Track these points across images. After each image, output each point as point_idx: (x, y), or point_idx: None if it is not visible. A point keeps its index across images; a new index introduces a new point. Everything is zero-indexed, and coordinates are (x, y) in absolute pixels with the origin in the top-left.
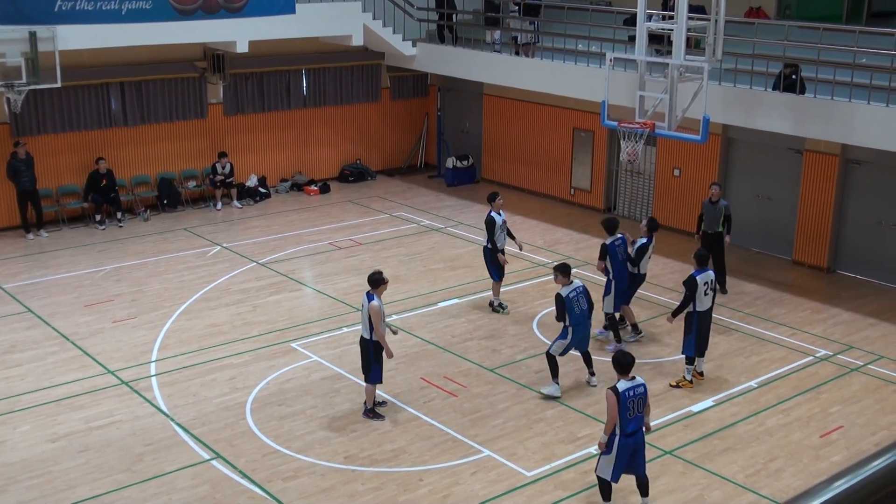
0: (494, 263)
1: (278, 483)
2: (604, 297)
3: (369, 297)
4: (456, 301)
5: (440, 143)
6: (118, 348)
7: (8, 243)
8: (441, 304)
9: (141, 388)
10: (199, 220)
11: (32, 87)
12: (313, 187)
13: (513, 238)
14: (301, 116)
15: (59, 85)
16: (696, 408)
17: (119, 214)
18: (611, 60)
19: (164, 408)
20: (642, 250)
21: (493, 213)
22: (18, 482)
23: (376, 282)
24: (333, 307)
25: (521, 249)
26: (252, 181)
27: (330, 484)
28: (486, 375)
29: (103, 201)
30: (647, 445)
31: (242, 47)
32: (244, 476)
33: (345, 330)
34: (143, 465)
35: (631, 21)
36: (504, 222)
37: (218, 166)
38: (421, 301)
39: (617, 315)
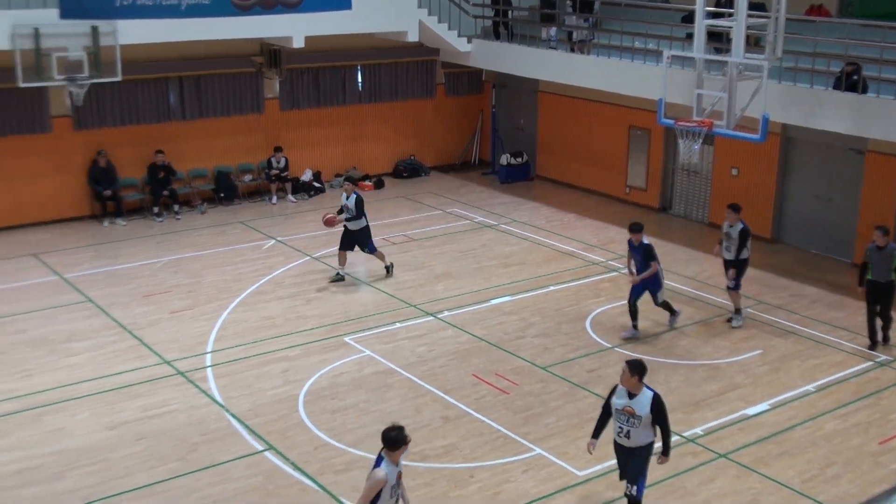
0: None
1: (330, 476)
2: (658, 293)
3: (377, 458)
4: (508, 298)
5: (494, 140)
6: (175, 339)
7: (71, 233)
8: (493, 301)
9: (196, 379)
10: (254, 214)
11: (94, 80)
12: (367, 182)
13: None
14: (356, 112)
15: (119, 79)
16: (751, 411)
17: (176, 207)
18: (668, 58)
19: (218, 398)
20: (745, 235)
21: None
22: (77, 468)
23: (394, 441)
24: (386, 302)
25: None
26: (307, 176)
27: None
28: (537, 373)
29: (161, 194)
30: (702, 448)
31: (299, 43)
32: (296, 468)
33: (397, 325)
34: (197, 455)
35: (689, 18)
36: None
37: (273, 160)
38: (473, 298)
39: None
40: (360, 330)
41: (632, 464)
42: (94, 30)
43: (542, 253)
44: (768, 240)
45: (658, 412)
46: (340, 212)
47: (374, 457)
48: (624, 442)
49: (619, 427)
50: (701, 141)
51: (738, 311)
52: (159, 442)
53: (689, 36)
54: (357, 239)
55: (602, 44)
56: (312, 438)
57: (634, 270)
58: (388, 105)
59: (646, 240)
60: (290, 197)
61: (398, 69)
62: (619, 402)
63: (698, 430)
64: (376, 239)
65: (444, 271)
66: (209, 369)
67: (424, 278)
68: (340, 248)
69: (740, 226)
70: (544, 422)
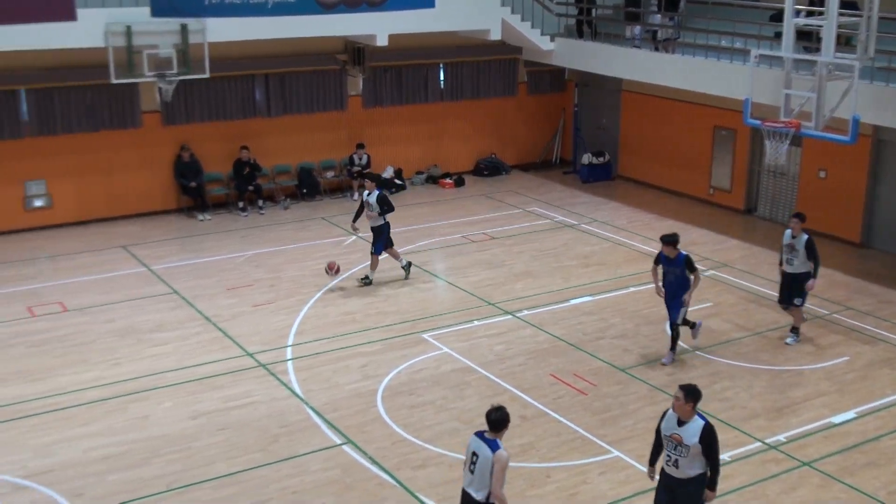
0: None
1: (407, 471)
2: (678, 309)
3: (492, 442)
4: (588, 298)
5: (576, 139)
6: (257, 332)
7: (159, 226)
8: (573, 301)
9: (277, 372)
10: (336, 210)
11: (182, 77)
12: (448, 180)
13: None
14: (437, 110)
15: (207, 76)
16: (836, 419)
17: (260, 202)
18: (756, 57)
19: (298, 391)
20: (811, 246)
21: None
22: (161, 456)
23: (501, 422)
24: (465, 300)
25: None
26: (388, 173)
27: (458, 475)
28: (616, 375)
29: (246, 189)
30: (784, 455)
31: (382, 41)
32: (374, 462)
33: (476, 323)
34: (277, 446)
35: (778, 17)
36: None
37: (355, 157)
38: (552, 297)
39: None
40: (438, 327)
41: (679, 497)
42: (184, 28)
43: (622, 253)
44: (857, 244)
45: (708, 444)
46: (361, 209)
47: (452, 454)
48: (672, 472)
49: (668, 455)
50: (788, 142)
51: (795, 329)
52: (240, 432)
53: (778, 35)
54: (374, 235)
55: (687, 42)
56: (390, 433)
57: (663, 287)
58: (469, 103)
59: (683, 251)
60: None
61: (480, 67)
62: (667, 427)
63: (781, 438)
64: (455, 236)
65: (523, 270)
66: (289, 362)
67: (504, 277)
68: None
69: (805, 237)
70: (622, 424)
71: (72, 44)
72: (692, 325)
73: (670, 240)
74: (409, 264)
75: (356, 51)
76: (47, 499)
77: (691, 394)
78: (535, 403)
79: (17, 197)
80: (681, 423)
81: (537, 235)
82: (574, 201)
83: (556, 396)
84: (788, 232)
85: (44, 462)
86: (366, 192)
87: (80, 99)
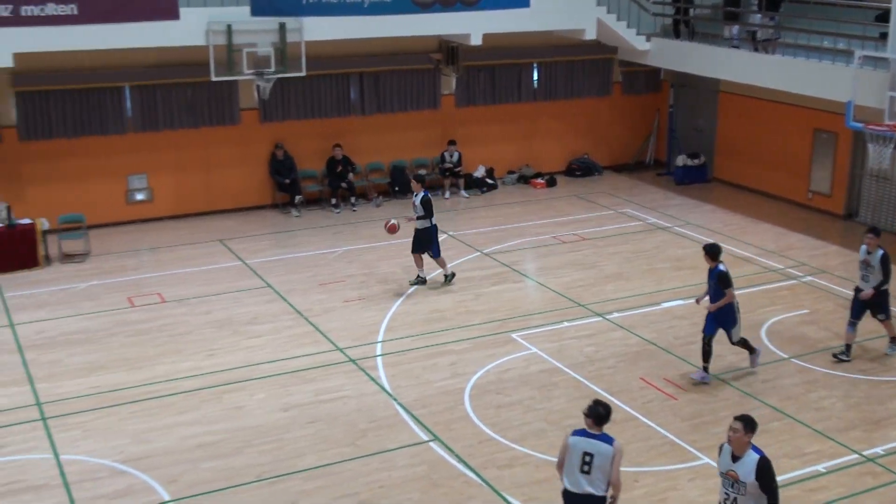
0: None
1: (493, 470)
2: (732, 330)
3: (604, 437)
4: (680, 302)
5: (671, 140)
6: (347, 327)
7: (254, 221)
8: (665, 305)
9: (367, 367)
10: None
11: (280, 75)
12: (540, 180)
13: None
14: (530, 109)
15: (303, 74)
16: None
17: (353, 199)
18: (860, 58)
19: (387, 387)
20: (886, 262)
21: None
22: (253, 446)
23: (609, 416)
24: (555, 301)
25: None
26: (480, 172)
27: (544, 476)
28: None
29: (339, 186)
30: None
31: (476, 40)
32: (460, 460)
33: (565, 324)
34: (366, 441)
35: (883, 17)
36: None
37: (446, 154)
38: (644, 300)
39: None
40: (527, 327)
41: None
42: (282, 26)
43: None
44: None
45: (764, 479)
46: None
47: (539, 454)
48: None
49: (725, 493)
50: (893, 146)
51: (893, 339)
52: (330, 426)
53: (883, 35)
54: (422, 239)
55: (788, 43)
56: (477, 432)
57: (706, 297)
58: (562, 103)
59: (721, 266)
60: (463, 192)
61: (574, 67)
62: (723, 464)
63: (879, 450)
64: (546, 237)
65: (614, 272)
66: (379, 358)
67: (594, 278)
68: (412, 251)
69: (880, 252)
70: (713, 430)
71: (174, 42)
72: (751, 350)
73: (710, 250)
74: (425, 280)
75: (450, 50)
76: (143, 484)
77: (750, 425)
78: (624, 407)
79: (120, 191)
80: (735, 458)
81: (629, 237)
82: (667, 203)
83: (645, 400)
84: (864, 248)
85: (141, 448)
86: (413, 193)
87: (181, 96)
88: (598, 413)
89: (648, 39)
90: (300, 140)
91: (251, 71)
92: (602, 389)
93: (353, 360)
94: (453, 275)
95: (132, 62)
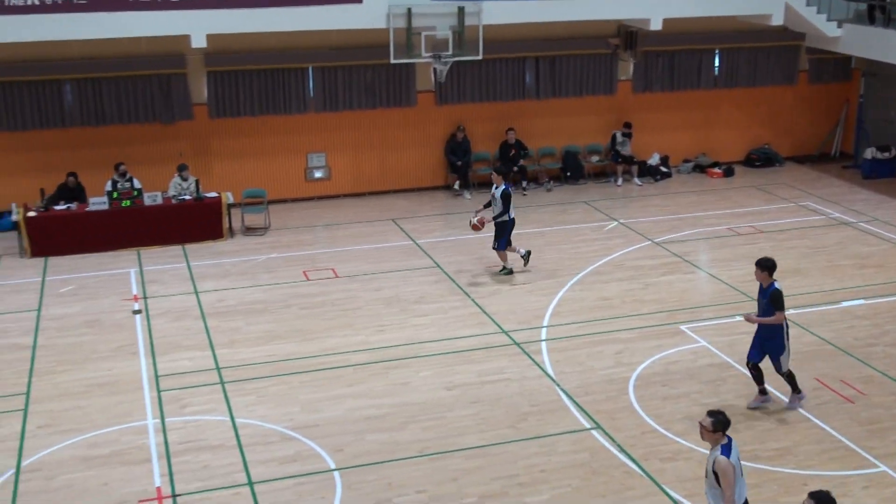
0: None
1: (655, 462)
2: (780, 358)
3: (725, 448)
4: (861, 302)
5: (859, 132)
6: (513, 310)
7: (426, 202)
8: (844, 304)
9: (531, 351)
10: (598, 195)
11: (457, 58)
12: (717, 170)
13: None
14: (709, 97)
15: (480, 58)
16: None
17: (524, 183)
18: None
19: (550, 372)
20: None
21: None
22: (417, 422)
23: (725, 423)
24: (726, 294)
25: None
26: (654, 159)
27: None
28: (889, 385)
29: (510, 169)
30: None
31: (656, 25)
32: (622, 450)
33: (738, 318)
34: (526, 424)
35: None
36: None
37: (617, 135)
38: (822, 297)
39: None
40: (696, 319)
41: None
42: (461, 10)
43: None
44: None
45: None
46: (489, 204)
47: (702, 449)
48: None
49: None
50: None
51: None
52: (492, 407)
53: None
54: (499, 232)
55: None
56: (640, 423)
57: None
58: (744, 91)
59: (777, 284)
60: (636, 180)
61: (758, 54)
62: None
63: None
64: (720, 227)
65: (792, 267)
66: (543, 343)
67: None
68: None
69: None
70: (892, 438)
71: (356, 25)
72: (795, 389)
73: (767, 265)
74: (511, 271)
75: (629, 35)
76: (311, 451)
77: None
78: (798, 407)
79: (299, 167)
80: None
81: (810, 232)
82: (853, 198)
83: (819, 402)
84: None
85: (310, 417)
86: (493, 186)
87: (360, 77)
88: (720, 417)
89: (840, 26)
90: (474, 123)
91: (429, 54)
92: (773, 388)
93: (517, 344)
94: (510, 270)
95: (316, 44)
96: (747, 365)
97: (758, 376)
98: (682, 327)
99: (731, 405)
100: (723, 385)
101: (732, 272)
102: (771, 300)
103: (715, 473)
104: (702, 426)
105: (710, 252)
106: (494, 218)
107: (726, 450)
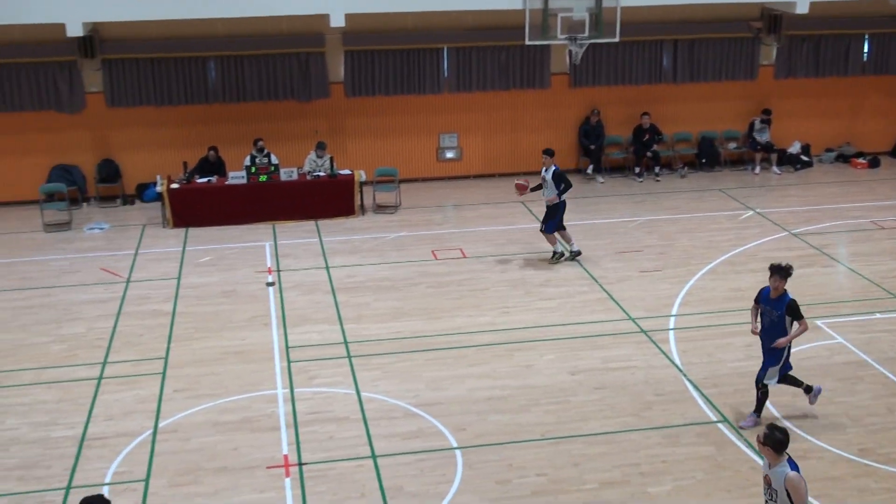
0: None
1: None
2: (771, 368)
3: (792, 464)
4: None
5: None
6: (641, 297)
7: None
8: None
9: (658, 340)
10: (734, 183)
11: (593, 40)
12: (861, 160)
13: None
14: (857, 84)
15: (617, 40)
16: None
17: (657, 169)
18: None
19: (677, 362)
20: None
21: None
22: (539, 405)
23: (782, 443)
24: (867, 289)
25: None
26: (794, 148)
27: (839, 473)
28: None
29: (644, 155)
30: None
31: (803, 8)
32: (750, 445)
33: (877, 315)
34: (651, 413)
35: None
36: None
37: (756, 122)
38: None
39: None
40: (834, 315)
41: None
42: None
43: None
44: None
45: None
46: (538, 187)
47: (836, 450)
48: None
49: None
50: None
51: None
52: (616, 394)
53: None
54: (550, 214)
55: None
56: (770, 418)
57: (759, 326)
58: (894, 79)
59: (790, 294)
60: (775, 168)
61: None
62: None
63: None
64: (863, 221)
65: None
66: (671, 332)
67: None
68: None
69: None
70: None
71: (493, 5)
72: (808, 390)
73: (778, 272)
74: (579, 252)
75: (772, 18)
76: (434, 428)
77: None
78: None
79: (431, 148)
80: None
81: None
82: None
83: None
84: None
85: (434, 394)
86: (543, 168)
87: (495, 59)
88: (776, 437)
89: None
90: (608, 106)
91: (564, 35)
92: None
93: (644, 331)
94: (561, 254)
95: (451, 25)
96: (757, 381)
97: (794, 380)
98: (819, 322)
99: (867, 406)
100: (858, 384)
101: (874, 267)
102: (790, 311)
103: (786, 490)
104: (761, 445)
105: (850, 245)
106: (548, 200)
107: (794, 464)
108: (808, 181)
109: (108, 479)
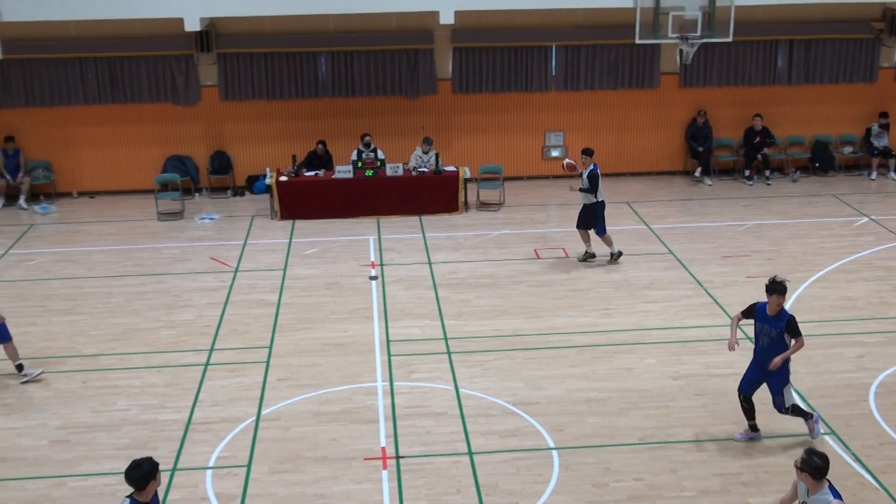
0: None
1: (893, 476)
2: (784, 389)
3: (834, 492)
4: None
5: None
6: (747, 303)
7: (663, 186)
8: None
9: None
10: (849, 188)
11: (705, 40)
12: None
13: None
14: None
15: (730, 39)
16: None
17: (768, 172)
18: None
19: None
20: None
21: None
22: (638, 409)
23: (821, 469)
24: None
25: None
26: None
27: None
28: None
29: (754, 157)
30: None
31: None
32: (857, 459)
33: None
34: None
35: None
36: None
37: (874, 128)
38: None
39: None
40: None
41: None
42: None
43: None
44: None
45: None
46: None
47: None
48: None
49: None
50: None
51: None
52: (717, 401)
53: None
54: (587, 215)
55: None
56: (880, 433)
57: (755, 354)
58: None
59: (788, 308)
60: (892, 174)
61: None
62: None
63: None
64: None
65: None
66: None
67: None
68: (577, 227)
69: None
70: None
71: (603, 3)
72: (807, 417)
73: (774, 289)
74: (594, 255)
75: (895, 18)
76: (531, 427)
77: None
78: None
79: (536, 146)
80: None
81: None
82: None
83: None
84: None
85: (532, 394)
86: (583, 167)
87: (604, 57)
88: (815, 463)
89: None
90: (718, 107)
91: (676, 34)
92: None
93: (749, 338)
94: (620, 253)
95: (560, 23)
96: (740, 395)
97: (749, 410)
98: None
99: None
100: None
101: None
102: (789, 328)
103: None
104: (798, 471)
105: None
106: (583, 191)
107: (835, 491)
108: None
109: (211, 463)
